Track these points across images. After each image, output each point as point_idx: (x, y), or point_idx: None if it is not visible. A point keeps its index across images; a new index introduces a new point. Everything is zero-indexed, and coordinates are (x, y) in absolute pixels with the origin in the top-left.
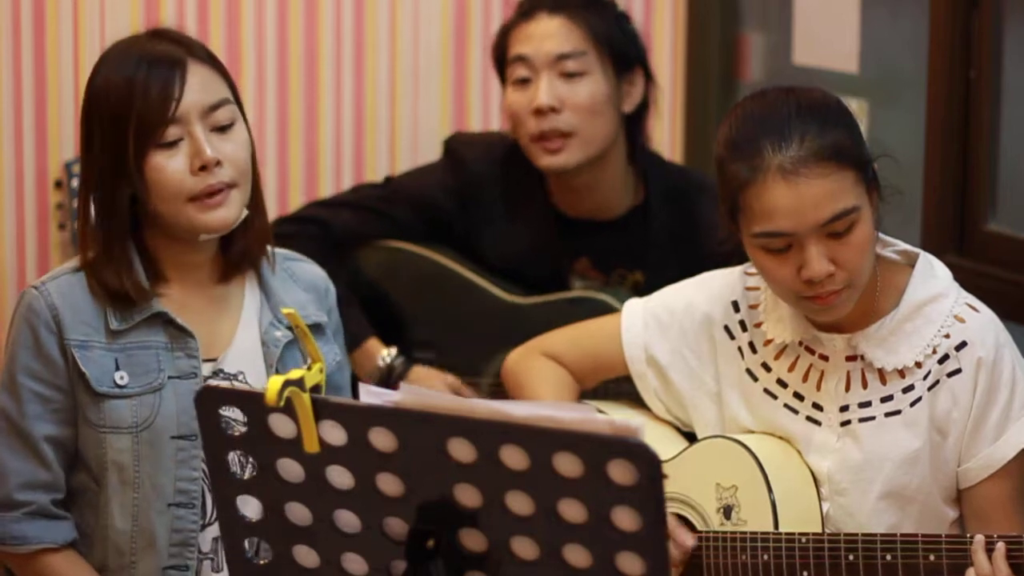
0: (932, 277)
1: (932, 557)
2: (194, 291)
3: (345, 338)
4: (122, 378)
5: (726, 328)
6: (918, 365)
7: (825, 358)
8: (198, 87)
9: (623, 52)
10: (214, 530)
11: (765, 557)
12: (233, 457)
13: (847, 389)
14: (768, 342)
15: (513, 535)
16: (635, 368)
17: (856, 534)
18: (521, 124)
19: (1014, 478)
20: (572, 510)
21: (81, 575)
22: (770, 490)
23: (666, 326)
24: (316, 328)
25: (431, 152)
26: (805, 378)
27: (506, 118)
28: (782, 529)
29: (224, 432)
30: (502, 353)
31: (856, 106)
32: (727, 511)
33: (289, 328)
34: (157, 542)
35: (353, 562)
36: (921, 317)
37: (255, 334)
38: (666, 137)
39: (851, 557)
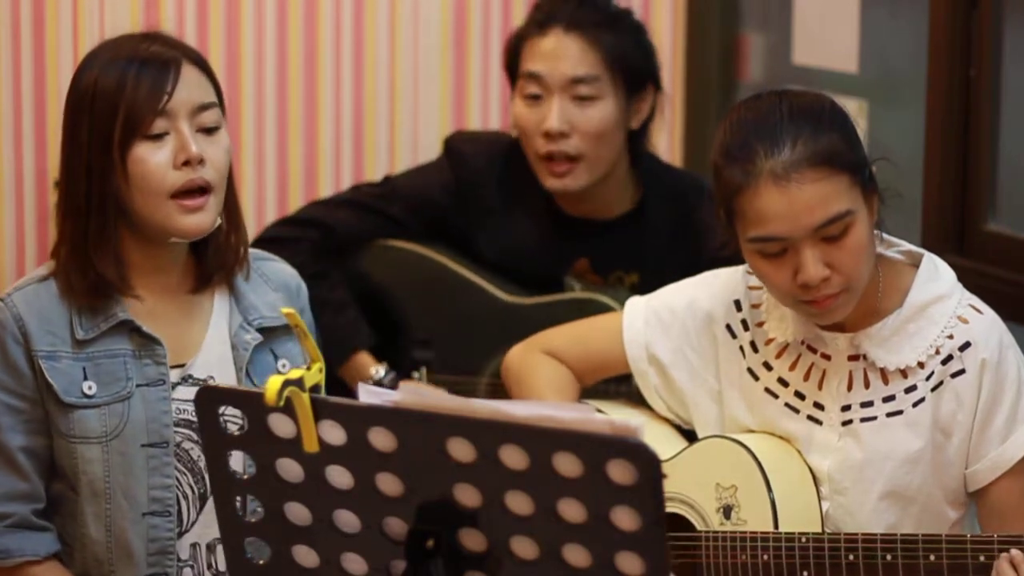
0: (936, 278)
1: (932, 557)
2: (162, 296)
3: (339, 344)
4: (90, 388)
5: (728, 327)
6: (921, 365)
7: (827, 357)
8: (189, 86)
9: (637, 72)
10: (192, 537)
11: (765, 557)
12: (233, 457)
13: (849, 388)
14: (770, 341)
15: (513, 535)
16: (636, 366)
17: (856, 534)
18: (529, 140)
19: None
20: (572, 510)
21: None
22: (770, 490)
23: (668, 324)
24: (288, 328)
25: (431, 152)
26: (807, 377)
27: (513, 127)
28: (782, 529)
29: (224, 432)
30: (500, 353)
31: (856, 106)
32: (727, 511)
33: (259, 331)
34: (134, 552)
35: (353, 562)
36: (924, 318)
37: (224, 337)
38: (665, 138)
39: (851, 557)
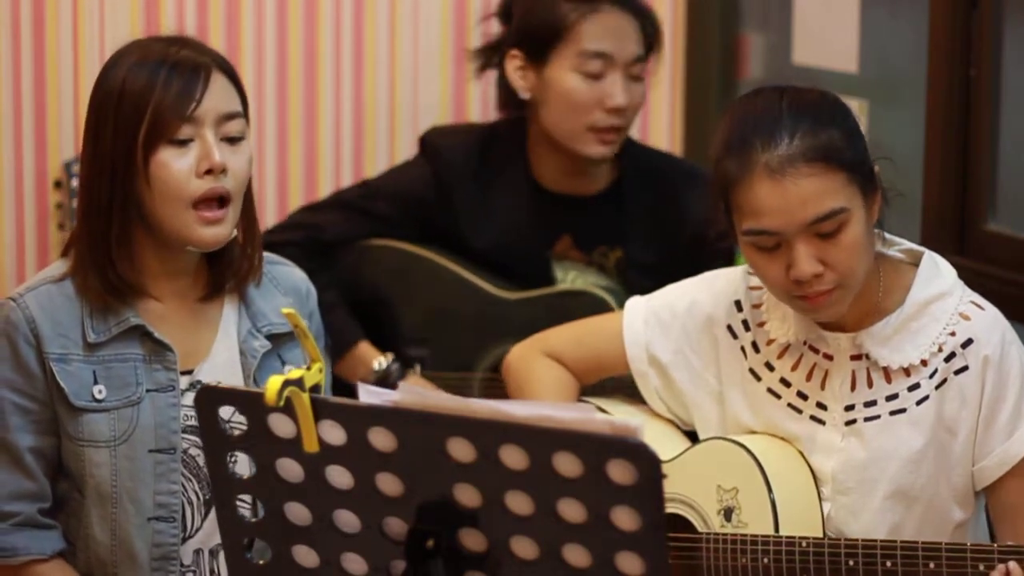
0: (937, 276)
1: (932, 565)
2: (173, 301)
3: (335, 342)
4: (100, 392)
5: (729, 327)
6: (924, 363)
7: (829, 357)
8: (217, 94)
9: (653, 50)
10: (195, 543)
11: (765, 560)
12: (233, 457)
13: (852, 388)
14: (771, 341)
15: (513, 535)
16: (636, 367)
17: (857, 540)
18: (582, 114)
19: None
20: (572, 510)
21: None
22: (771, 492)
23: (668, 325)
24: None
25: None
26: (809, 377)
27: (557, 102)
28: (783, 532)
29: (224, 432)
30: (492, 348)
31: (856, 106)
32: (728, 513)
33: (268, 338)
34: (138, 556)
35: (353, 562)
36: (926, 315)
37: (233, 344)
38: (666, 137)
39: (851, 563)
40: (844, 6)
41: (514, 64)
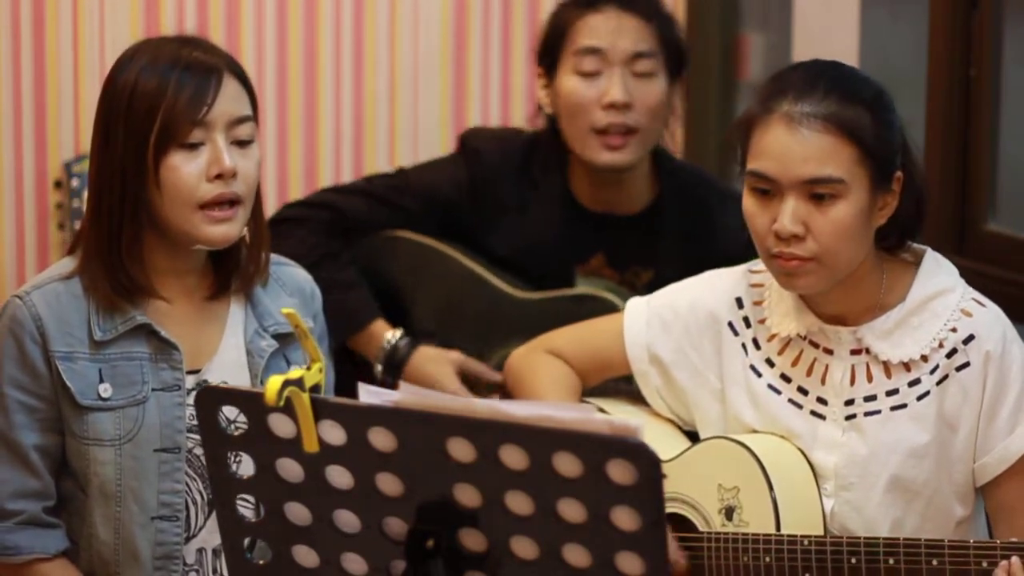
0: (939, 273)
1: (935, 562)
2: (180, 300)
3: (351, 319)
4: (106, 391)
5: (730, 324)
6: (924, 359)
7: (829, 352)
8: (229, 98)
9: (679, 55)
10: (198, 542)
11: (767, 559)
12: (234, 457)
13: (852, 383)
14: (772, 337)
15: (513, 535)
16: (637, 366)
17: (859, 537)
18: (582, 115)
19: None
20: (572, 510)
21: None
22: (772, 491)
23: (669, 324)
24: None
25: (431, 152)
26: (809, 372)
27: (559, 106)
28: (784, 531)
29: (224, 432)
30: (503, 347)
31: None
32: (729, 512)
33: (274, 337)
34: (141, 555)
35: (353, 562)
36: (927, 311)
37: (240, 343)
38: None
39: (853, 560)
40: (844, 6)
41: (540, 83)
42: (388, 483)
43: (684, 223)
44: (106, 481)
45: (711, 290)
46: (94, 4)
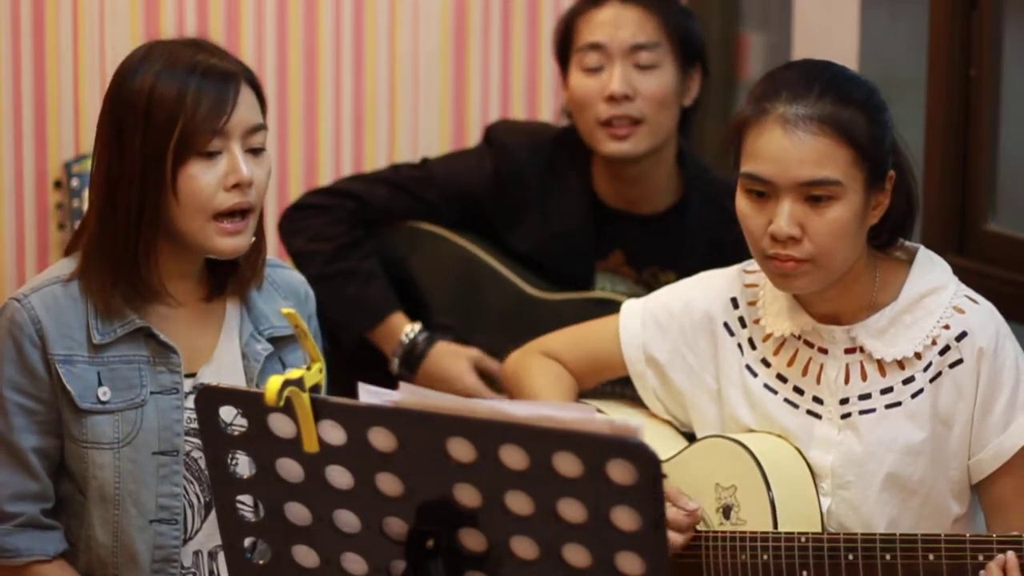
0: (931, 271)
1: (932, 557)
2: (177, 303)
3: (370, 311)
4: (105, 394)
5: (725, 325)
6: (918, 356)
7: (824, 351)
8: (246, 106)
9: (691, 45)
10: (195, 544)
11: (765, 557)
12: (232, 457)
13: (847, 381)
14: (767, 337)
15: (513, 535)
16: (634, 368)
17: (856, 534)
18: (588, 109)
19: None
20: (572, 510)
21: None
22: (769, 490)
23: (665, 326)
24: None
25: (431, 152)
26: (805, 372)
27: (567, 104)
28: (781, 529)
29: (224, 432)
30: (518, 345)
31: None
32: (726, 511)
33: (270, 340)
34: (139, 558)
35: (353, 562)
36: (920, 309)
37: (235, 347)
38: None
39: (851, 557)
40: (844, 6)
41: (564, 86)
42: (388, 483)
43: (706, 228)
44: (105, 484)
45: (706, 291)
46: (94, 4)
